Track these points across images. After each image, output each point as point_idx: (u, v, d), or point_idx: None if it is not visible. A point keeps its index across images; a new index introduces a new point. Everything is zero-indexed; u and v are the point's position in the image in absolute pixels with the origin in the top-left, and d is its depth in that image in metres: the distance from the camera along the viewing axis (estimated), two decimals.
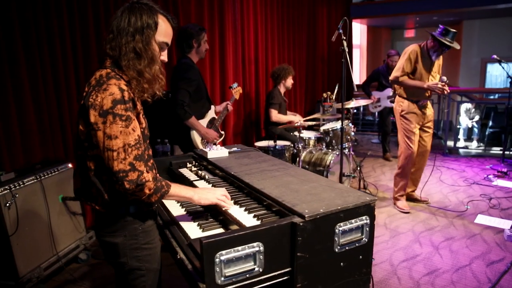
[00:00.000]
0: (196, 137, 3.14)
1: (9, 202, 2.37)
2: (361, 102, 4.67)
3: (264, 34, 5.43)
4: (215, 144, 3.23)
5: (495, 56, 5.24)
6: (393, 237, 3.30)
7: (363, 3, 8.34)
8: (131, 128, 1.29)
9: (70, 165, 2.94)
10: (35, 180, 2.61)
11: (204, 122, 3.22)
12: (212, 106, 3.36)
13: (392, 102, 5.65)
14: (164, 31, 1.40)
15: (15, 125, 2.73)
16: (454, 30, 3.54)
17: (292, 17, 6.09)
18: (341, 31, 3.28)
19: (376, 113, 7.86)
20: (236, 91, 3.64)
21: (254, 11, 5.19)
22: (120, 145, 1.26)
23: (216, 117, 3.38)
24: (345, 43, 3.20)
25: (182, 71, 3.06)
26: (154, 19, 1.35)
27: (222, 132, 3.44)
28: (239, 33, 4.95)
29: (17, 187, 2.47)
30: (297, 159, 4.07)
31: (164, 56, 1.44)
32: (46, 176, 2.70)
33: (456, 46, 3.56)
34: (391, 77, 3.82)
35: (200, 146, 3.15)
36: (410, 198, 4.10)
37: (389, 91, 5.76)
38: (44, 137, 2.97)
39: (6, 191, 2.38)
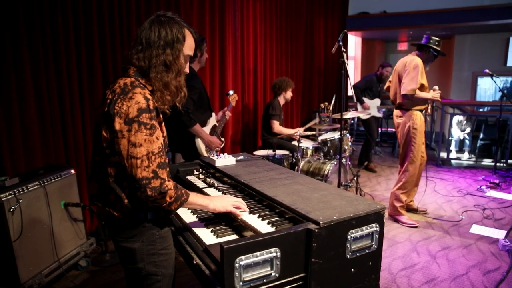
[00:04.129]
0: (201, 145, 3.17)
1: (13, 207, 2.37)
2: (359, 114, 4.74)
3: (263, 45, 5.51)
4: (217, 151, 3.28)
5: (487, 71, 5.39)
6: (391, 246, 3.35)
7: (359, 16, 8.52)
8: (155, 137, 1.32)
9: (72, 171, 2.94)
10: (38, 186, 2.60)
11: (207, 129, 3.27)
12: (213, 114, 3.41)
13: (383, 112, 5.81)
14: (190, 44, 1.45)
15: (17, 127, 2.73)
16: (438, 38, 3.77)
17: (290, 28, 6.19)
18: (341, 43, 3.36)
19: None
20: (233, 98, 3.70)
21: (253, 22, 5.27)
22: (144, 153, 1.29)
23: (217, 124, 3.43)
24: (345, 56, 3.28)
25: (186, 79, 3.11)
26: (182, 33, 1.40)
27: (223, 139, 3.49)
28: (238, 43, 5.02)
29: (21, 192, 2.45)
30: (296, 168, 4.12)
31: (186, 68, 1.49)
32: (49, 182, 2.69)
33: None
34: (406, 91, 3.64)
35: (205, 153, 3.18)
36: (409, 209, 4.11)
37: (378, 101, 5.87)
38: (46, 140, 2.96)
39: (10, 196, 2.37)
